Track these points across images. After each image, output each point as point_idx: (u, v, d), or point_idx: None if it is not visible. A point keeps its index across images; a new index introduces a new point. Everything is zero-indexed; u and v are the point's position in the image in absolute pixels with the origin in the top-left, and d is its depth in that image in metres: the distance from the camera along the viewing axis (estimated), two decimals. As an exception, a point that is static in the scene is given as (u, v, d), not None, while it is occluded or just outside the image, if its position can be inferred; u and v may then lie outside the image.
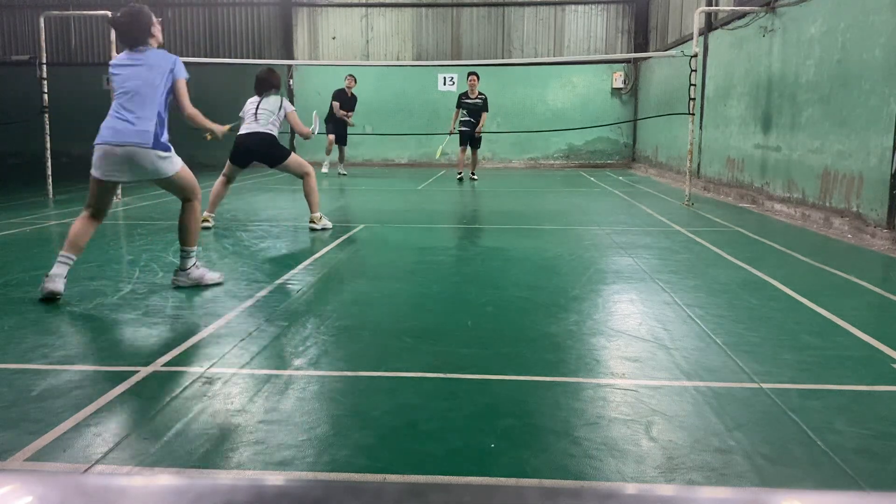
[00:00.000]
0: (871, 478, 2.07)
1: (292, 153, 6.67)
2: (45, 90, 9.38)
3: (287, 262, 5.29)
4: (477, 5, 17.38)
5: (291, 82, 17.69)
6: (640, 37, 16.88)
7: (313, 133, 6.98)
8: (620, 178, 13.95)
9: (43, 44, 9.74)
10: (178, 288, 4.36)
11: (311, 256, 5.47)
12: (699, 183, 11.12)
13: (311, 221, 6.69)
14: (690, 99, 9.04)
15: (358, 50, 17.60)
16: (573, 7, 17.24)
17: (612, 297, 4.28)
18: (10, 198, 9.49)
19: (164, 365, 2.98)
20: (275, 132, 6.61)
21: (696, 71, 9.05)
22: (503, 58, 17.21)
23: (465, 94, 12.58)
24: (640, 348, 3.26)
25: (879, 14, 6.32)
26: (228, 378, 2.84)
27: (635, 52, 16.65)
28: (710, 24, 11.26)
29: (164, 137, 4.17)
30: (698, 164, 11.61)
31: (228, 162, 6.77)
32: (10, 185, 11.85)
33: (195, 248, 4.49)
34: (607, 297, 4.26)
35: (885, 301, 4.26)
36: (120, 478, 0.58)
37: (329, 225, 6.75)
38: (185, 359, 3.07)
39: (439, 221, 6.61)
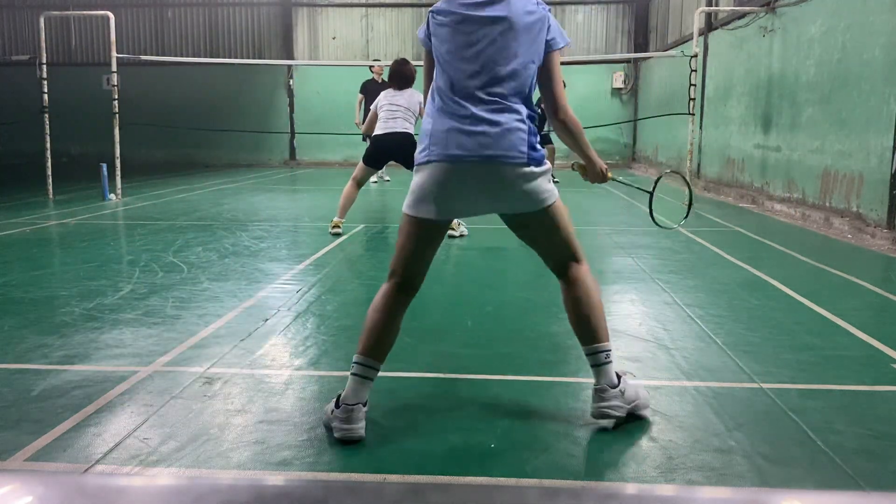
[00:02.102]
0: (871, 478, 2.07)
1: None
2: (45, 90, 9.39)
3: (287, 262, 5.29)
4: (477, 5, 17.36)
5: (291, 82, 17.69)
6: (640, 37, 16.88)
7: None
8: (620, 178, 13.93)
9: (43, 44, 9.74)
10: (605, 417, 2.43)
11: (311, 256, 5.47)
12: (699, 183, 11.12)
13: (450, 228, 6.51)
14: (690, 99, 9.04)
15: (358, 50, 17.59)
16: (573, 7, 17.23)
17: (612, 297, 4.28)
18: (10, 198, 9.49)
19: (164, 365, 2.98)
20: (413, 130, 6.38)
21: (696, 71, 9.05)
22: (503, 58, 17.18)
23: None
24: (640, 348, 3.26)
25: (879, 14, 6.31)
26: (228, 378, 2.84)
27: (635, 52, 16.65)
28: (710, 24, 11.26)
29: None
30: (698, 164, 11.60)
31: (362, 164, 6.52)
32: (10, 185, 11.85)
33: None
34: (607, 298, 4.25)
35: (885, 301, 4.26)
36: (120, 478, 0.58)
37: (466, 232, 6.48)
38: (185, 359, 3.07)
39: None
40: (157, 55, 16.90)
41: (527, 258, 5.66)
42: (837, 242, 6.28)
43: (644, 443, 2.29)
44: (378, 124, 6.42)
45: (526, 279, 4.82)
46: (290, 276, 4.75)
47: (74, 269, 4.99)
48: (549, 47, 2.33)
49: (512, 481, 2.04)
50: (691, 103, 9.03)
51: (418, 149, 2.36)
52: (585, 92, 17.14)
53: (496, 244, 6.21)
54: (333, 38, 17.74)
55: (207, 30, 17.99)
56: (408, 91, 6.47)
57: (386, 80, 12.93)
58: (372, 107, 6.56)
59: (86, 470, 2.10)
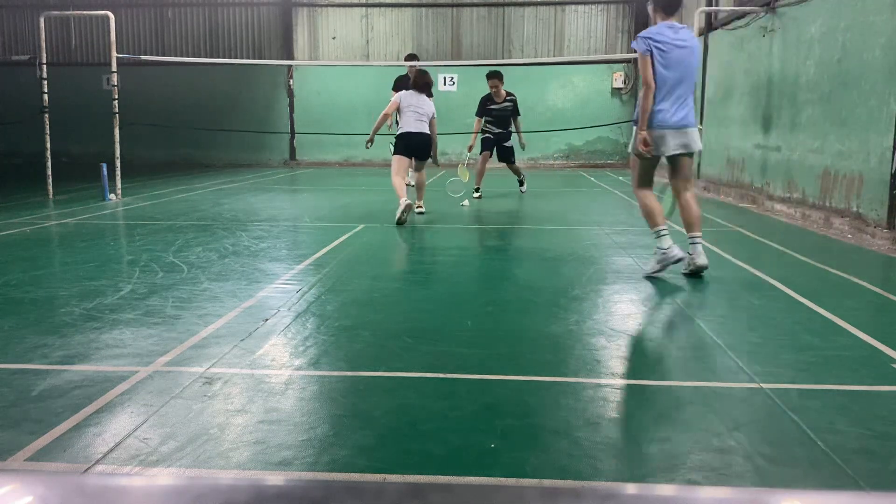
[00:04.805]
0: (871, 478, 2.07)
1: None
2: (45, 90, 9.39)
3: (287, 261, 5.29)
4: (477, 5, 17.37)
5: (291, 82, 17.69)
6: (640, 37, 16.88)
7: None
8: (620, 178, 13.94)
9: (43, 44, 9.74)
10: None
11: (311, 256, 5.47)
12: (699, 183, 11.11)
13: (419, 206, 7.89)
14: (690, 99, 9.02)
15: (358, 50, 17.59)
16: (573, 7, 17.23)
17: (612, 297, 4.28)
18: (10, 198, 9.49)
19: (165, 365, 2.98)
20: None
21: (696, 71, 9.04)
22: (503, 58, 17.21)
23: (488, 99, 9.74)
24: (640, 348, 3.26)
25: (879, 14, 6.31)
26: (228, 378, 2.84)
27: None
28: (710, 24, 11.26)
29: None
30: (698, 164, 11.60)
31: (396, 157, 7.54)
32: (10, 185, 11.85)
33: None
34: (607, 297, 4.26)
35: (885, 301, 4.26)
36: (120, 478, 0.58)
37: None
38: (185, 359, 3.07)
39: (439, 222, 6.62)
40: (158, 55, 16.90)
41: (527, 258, 5.66)
42: (837, 242, 6.28)
43: (644, 443, 2.29)
44: (408, 122, 7.43)
45: (526, 279, 4.82)
46: (290, 276, 4.75)
47: (74, 269, 4.99)
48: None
49: (512, 481, 2.04)
50: (691, 103, 9.02)
51: None
52: (585, 92, 17.16)
53: (496, 244, 6.21)
54: (333, 38, 17.74)
55: (207, 30, 17.99)
56: (428, 100, 7.58)
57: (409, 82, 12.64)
58: (395, 99, 7.51)
59: (86, 470, 2.11)
